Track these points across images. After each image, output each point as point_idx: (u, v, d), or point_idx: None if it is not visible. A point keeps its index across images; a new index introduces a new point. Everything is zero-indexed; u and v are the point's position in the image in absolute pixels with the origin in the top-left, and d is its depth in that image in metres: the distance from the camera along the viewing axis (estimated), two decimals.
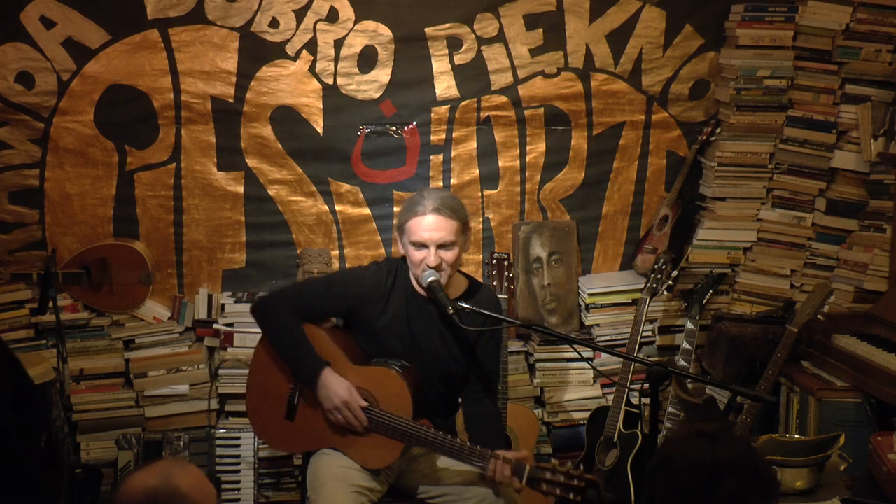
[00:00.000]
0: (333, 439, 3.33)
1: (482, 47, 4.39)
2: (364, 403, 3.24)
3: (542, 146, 4.53)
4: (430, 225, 3.23)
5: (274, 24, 4.26)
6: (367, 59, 4.34)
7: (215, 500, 2.03)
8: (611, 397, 4.21)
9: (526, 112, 4.47)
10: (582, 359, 4.38)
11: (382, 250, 4.50)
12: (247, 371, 4.15)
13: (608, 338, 4.49)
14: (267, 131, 4.35)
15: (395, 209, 4.48)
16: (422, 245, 3.24)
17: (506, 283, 4.28)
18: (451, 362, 3.39)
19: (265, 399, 3.45)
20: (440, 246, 3.23)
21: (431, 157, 4.47)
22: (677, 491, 2.12)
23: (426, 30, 4.34)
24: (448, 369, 3.39)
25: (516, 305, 4.50)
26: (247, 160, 4.37)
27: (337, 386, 3.24)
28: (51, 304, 3.95)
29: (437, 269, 3.23)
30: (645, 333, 4.20)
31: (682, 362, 4.17)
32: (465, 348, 3.39)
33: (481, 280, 4.48)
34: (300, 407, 3.39)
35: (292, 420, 3.40)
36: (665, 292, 4.41)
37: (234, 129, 4.33)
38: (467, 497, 3.30)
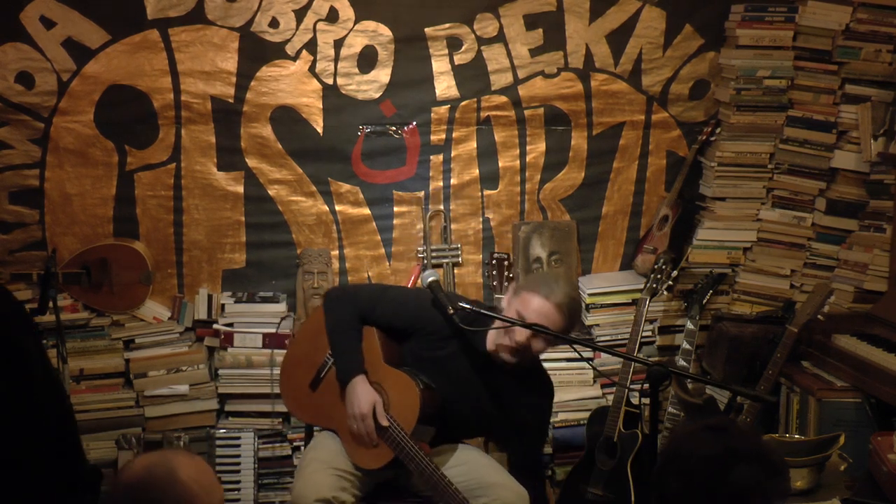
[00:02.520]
0: (338, 422, 3.35)
1: (482, 47, 4.39)
2: (385, 423, 3.21)
3: (542, 146, 4.53)
4: (545, 312, 3.18)
5: (274, 24, 4.26)
6: (367, 59, 4.34)
7: (219, 496, 1.99)
8: (611, 397, 4.21)
9: (526, 112, 4.47)
10: (582, 359, 4.33)
11: (382, 250, 4.50)
12: (248, 371, 4.17)
13: (608, 338, 4.49)
14: (267, 131, 4.35)
15: (396, 209, 4.49)
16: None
17: (506, 283, 4.28)
18: (483, 420, 3.39)
19: (300, 363, 3.49)
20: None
21: (431, 157, 4.47)
22: (691, 484, 2.12)
23: (426, 30, 4.34)
24: (477, 424, 3.42)
25: None
26: (247, 160, 4.37)
27: (363, 396, 3.22)
28: (51, 304, 3.95)
29: (518, 349, 3.20)
30: (645, 333, 4.19)
31: (682, 362, 4.17)
32: (507, 417, 3.38)
33: (481, 279, 4.50)
34: (324, 380, 3.41)
35: (315, 390, 3.44)
36: (665, 292, 4.41)
37: (234, 129, 4.33)
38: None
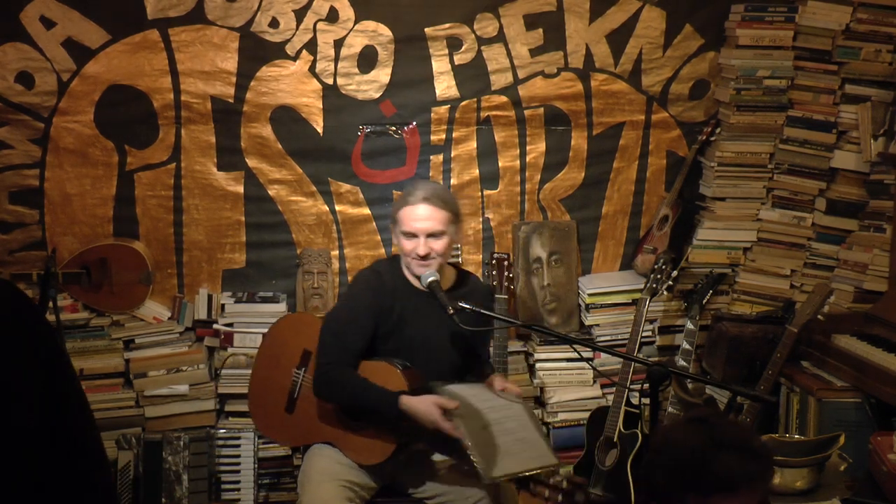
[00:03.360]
0: (329, 433, 3.36)
1: (482, 47, 4.39)
2: (453, 405, 3.14)
3: (542, 146, 4.53)
4: (420, 215, 3.28)
5: (274, 24, 4.26)
6: (366, 59, 4.34)
7: None
8: (611, 397, 4.21)
9: (526, 112, 4.47)
10: (582, 359, 4.35)
11: (382, 250, 4.50)
12: (248, 371, 4.15)
13: (608, 338, 4.49)
14: (267, 131, 4.35)
15: None
16: (412, 235, 3.29)
17: (506, 283, 4.28)
18: (455, 351, 3.42)
19: (267, 391, 3.50)
20: (429, 235, 3.28)
21: (431, 157, 4.47)
22: (677, 474, 2.18)
23: (426, 30, 4.34)
24: (454, 358, 3.43)
25: (516, 305, 4.50)
26: (247, 160, 4.37)
27: (422, 406, 3.15)
28: (51, 304, 3.95)
29: (426, 258, 3.27)
30: (645, 333, 4.19)
31: (682, 362, 4.17)
32: (464, 334, 3.42)
33: (481, 278, 4.49)
34: (300, 400, 3.42)
35: (291, 412, 3.44)
36: (665, 292, 4.41)
37: (234, 129, 4.33)
38: (466, 497, 3.31)
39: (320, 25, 4.28)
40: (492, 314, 3.25)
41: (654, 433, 2.38)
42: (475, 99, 4.44)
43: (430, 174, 4.48)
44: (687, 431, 2.22)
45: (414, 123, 4.43)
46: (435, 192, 3.32)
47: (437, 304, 3.26)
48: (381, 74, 4.36)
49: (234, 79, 4.29)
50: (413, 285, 3.37)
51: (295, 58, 4.30)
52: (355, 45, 4.32)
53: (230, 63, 4.27)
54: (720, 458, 2.15)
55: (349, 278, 4.49)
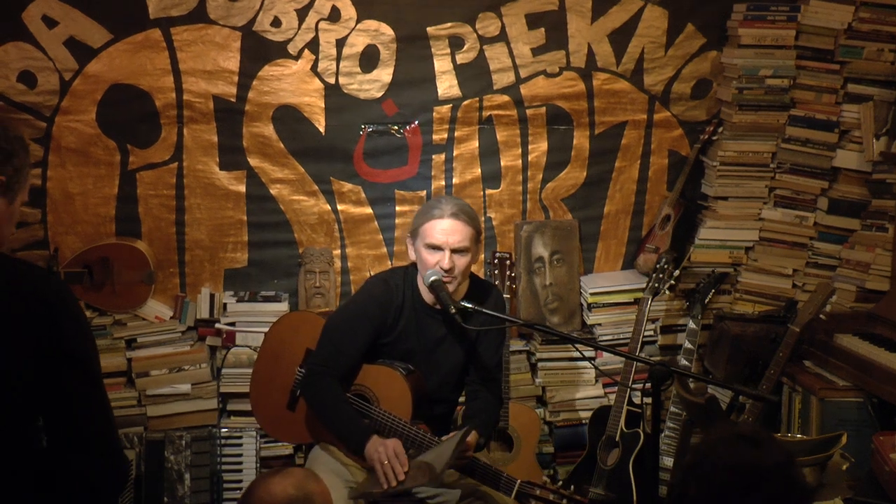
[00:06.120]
0: (327, 432, 3.37)
1: (484, 46, 4.39)
2: (404, 459, 3.13)
3: (543, 145, 4.53)
4: (447, 229, 3.26)
5: (276, 23, 4.26)
6: (368, 59, 4.34)
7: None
8: (613, 397, 4.21)
9: (528, 111, 4.47)
10: (584, 358, 4.38)
11: (384, 249, 4.50)
12: (249, 370, 4.16)
13: (610, 337, 4.49)
14: (269, 131, 4.35)
15: (397, 208, 4.49)
16: (437, 248, 3.26)
17: (508, 283, 4.28)
18: (455, 369, 3.42)
19: (270, 388, 3.51)
20: (455, 250, 3.25)
21: (433, 156, 4.47)
22: (710, 492, 2.07)
23: (428, 29, 4.34)
24: (453, 376, 3.43)
25: (518, 305, 4.50)
26: (249, 159, 4.37)
27: (384, 450, 3.14)
28: None
29: (449, 272, 3.24)
30: (647, 333, 4.20)
31: (684, 362, 4.17)
32: (471, 349, 3.41)
33: (483, 278, 4.50)
34: (301, 398, 3.42)
35: (293, 410, 3.46)
36: (667, 292, 4.41)
37: (236, 128, 4.33)
38: (466, 497, 3.31)
39: (322, 25, 4.28)
40: (494, 314, 3.25)
41: (700, 441, 2.25)
42: (477, 98, 4.43)
43: (432, 173, 4.48)
44: (733, 449, 2.09)
45: (416, 123, 4.43)
46: (462, 207, 3.31)
47: (446, 320, 3.26)
48: (383, 74, 4.36)
49: (236, 78, 4.29)
50: (423, 300, 3.37)
51: (297, 57, 4.30)
52: (357, 44, 4.32)
53: (232, 62, 4.27)
54: (761, 488, 2.04)
55: (351, 278, 4.49)
